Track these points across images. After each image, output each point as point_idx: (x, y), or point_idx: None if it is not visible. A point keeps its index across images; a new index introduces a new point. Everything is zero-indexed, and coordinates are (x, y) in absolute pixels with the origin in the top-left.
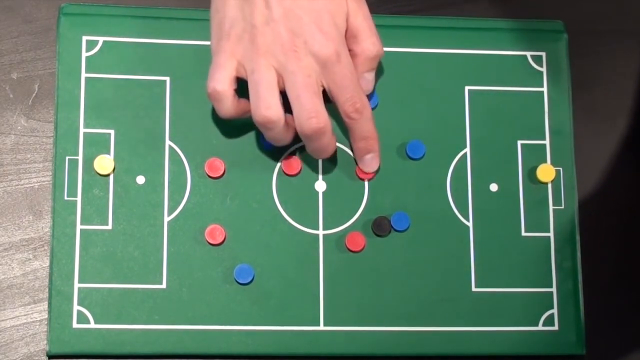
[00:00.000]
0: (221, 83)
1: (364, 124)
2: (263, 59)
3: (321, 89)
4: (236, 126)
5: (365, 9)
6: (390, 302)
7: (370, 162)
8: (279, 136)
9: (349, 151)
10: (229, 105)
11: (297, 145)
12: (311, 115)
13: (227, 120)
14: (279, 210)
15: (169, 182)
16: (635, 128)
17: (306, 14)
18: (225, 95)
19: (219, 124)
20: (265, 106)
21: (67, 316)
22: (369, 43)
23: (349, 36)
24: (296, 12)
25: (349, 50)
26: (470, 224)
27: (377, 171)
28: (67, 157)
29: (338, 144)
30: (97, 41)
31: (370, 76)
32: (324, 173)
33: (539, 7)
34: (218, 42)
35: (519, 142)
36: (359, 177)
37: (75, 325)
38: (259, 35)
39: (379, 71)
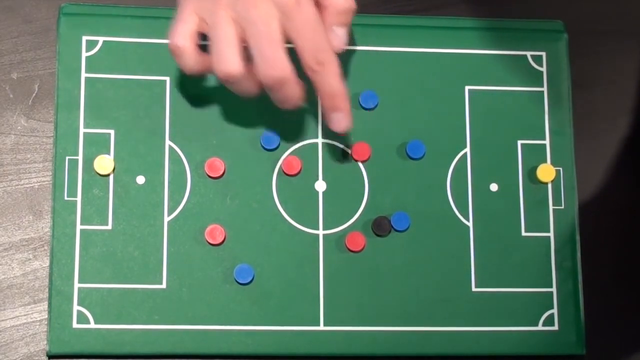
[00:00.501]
0: (181, 38)
1: (327, 78)
2: (223, 12)
3: (283, 37)
4: (236, 126)
5: None
6: (390, 302)
7: (339, 122)
8: (244, 89)
9: (349, 151)
10: (190, 60)
11: (296, 146)
12: (270, 64)
13: (226, 119)
14: (279, 210)
15: (169, 182)
16: (636, 128)
17: None
18: (186, 50)
19: (219, 124)
20: (225, 61)
21: (67, 316)
22: None
23: None
24: None
25: (318, 2)
26: (470, 224)
27: (347, 131)
28: (67, 157)
29: (336, 143)
30: (97, 41)
31: (340, 31)
32: (324, 173)
33: (539, 7)
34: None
35: (519, 142)
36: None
37: (75, 325)
38: None
39: (379, 71)
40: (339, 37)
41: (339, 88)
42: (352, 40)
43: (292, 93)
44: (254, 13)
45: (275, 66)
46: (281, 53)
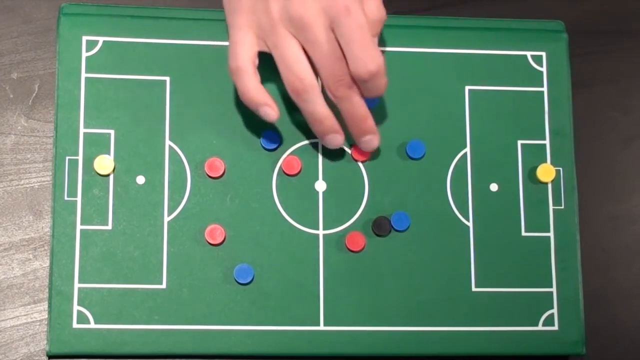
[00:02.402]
0: (242, 59)
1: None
2: (282, 30)
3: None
4: (236, 126)
5: None
6: (390, 302)
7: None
8: (318, 108)
9: (349, 151)
10: (251, 82)
11: (296, 146)
12: (339, 78)
13: (226, 119)
14: (279, 210)
15: (169, 182)
16: (635, 128)
17: None
18: (247, 71)
19: (219, 124)
20: (299, 78)
21: (67, 316)
22: (373, 6)
23: None
24: None
25: None
26: (470, 224)
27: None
28: (67, 157)
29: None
30: (97, 41)
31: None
32: (324, 173)
33: (539, 7)
34: (231, 16)
35: (519, 142)
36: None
37: (75, 325)
38: (271, 4)
39: None
40: None
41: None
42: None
43: (361, 105)
44: (311, 29)
45: (343, 80)
46: (344, 65)
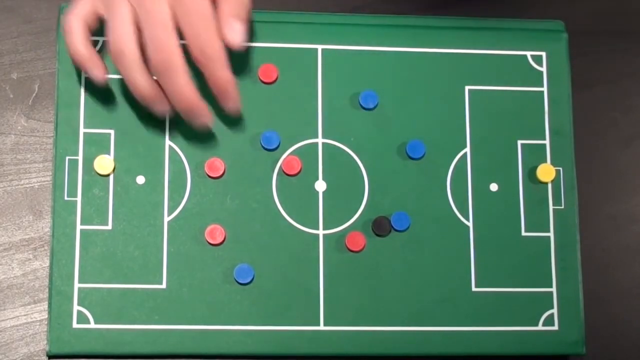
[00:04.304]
0: (74, 15)
1: (214, 69)
2: None
3: (174, 24)
4: (236, 126)
5: None
6: (390, 302)
7: (230, 107)
8: (135, 74)
9: (349, 151)
10: (78, 40)
11: (296, 146)
12: (162, 50)
13: (226, 119)
14: (279, 210)
15: (169, 182)
16: (635, 128)
17: None
18: (74, 27)
19: (219, 124)
20: (118, 39)
21: (67, 316)
22: None
23: None
24: None
25: None
26: (470, 224)
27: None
28: (67, 157)
29: (336, 143)
30: (97, 41)
31: (237, 25)
32: (324, 173)
33: (539, 7)
34: None
35: (519, 142)
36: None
37: (75, 325)
38: None
39: (379, 71)
40: (235, 31)
41: (227, 77)
42: (350, 41)
43: (183, 85)
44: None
45: (164, 49)
46: (172, 38)
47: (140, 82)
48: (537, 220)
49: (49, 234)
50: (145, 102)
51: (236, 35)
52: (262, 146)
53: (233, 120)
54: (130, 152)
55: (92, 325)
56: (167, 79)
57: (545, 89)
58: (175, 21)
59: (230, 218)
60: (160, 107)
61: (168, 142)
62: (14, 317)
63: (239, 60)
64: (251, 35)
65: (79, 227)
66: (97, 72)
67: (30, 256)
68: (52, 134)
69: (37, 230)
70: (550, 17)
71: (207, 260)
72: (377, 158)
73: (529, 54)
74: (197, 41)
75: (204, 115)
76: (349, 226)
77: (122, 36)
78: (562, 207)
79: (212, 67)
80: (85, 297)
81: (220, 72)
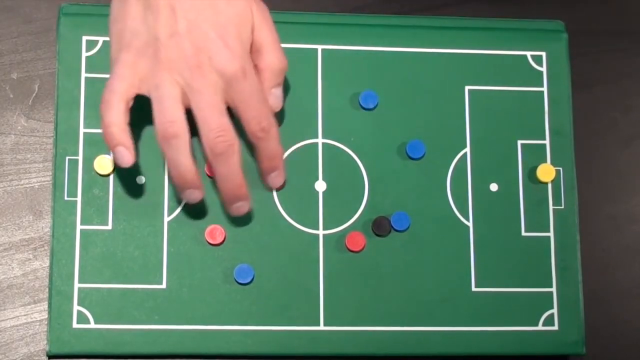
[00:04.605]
0: (116, 92)
1: (270, 143)
2: (167, 74)
3: (226, 106)
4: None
5: (270, 22)
6: (390, 302)
7: (275, 179)
8: (183, 158)
9: (349, 151)
10: (115, 117)
11: (297, 146)
12: (219, 133)
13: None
14: (279, 210)
15: (169, 182)
16: (635, 128)
17: (211, 28)
18: (115, 105)
19: None
20: (170, 120)
21: (67, 316)
22: (274, 57)
23: (253, 50)
24: (201, 25)
25: (254, 65)
26: (470, 224)
27: (282, 186)
28: (67, 157)
29: (336, 143)
30: (97, 41)
31: (278, 92)
32: (324, 173)
33: (539, 7)
34: (118, 52)
35: (519, 142)
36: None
37: (75, 325)
38: (162, 49)
39: (379, 71)
40: (277, 97)
41: (278, 150)
42: (350, 41)
43: (237, 164)
44: (200, 82)
45: (222, 136)
46: (228, 123)
47: (187, 168)
48: (537, 220)
49: (49, 234)
50: (184, 187)
51: (277, 102)
52: None
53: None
54: None
55: (92, 325)
56: (223, 164)
57: (545, 89)
58: (225, 100)
59: (230, 218)
60: (197, 195)
61: None
62: (14, 317)
63: None
64: None
65: (79, 227)
66: (128, 155)
67: (30, 256)
68: (52, 134)
69: (37, 230)
70: (550, 17)
71: (207, 260)
72: (377, 158)
73: (529, 54)
74: (256, 120)
75: (247, 203)
76: (349, 226)
77: (174, 118)
78: (562, 207)
79: (269, 142)
80: (85, 297)
81: (276, 146)
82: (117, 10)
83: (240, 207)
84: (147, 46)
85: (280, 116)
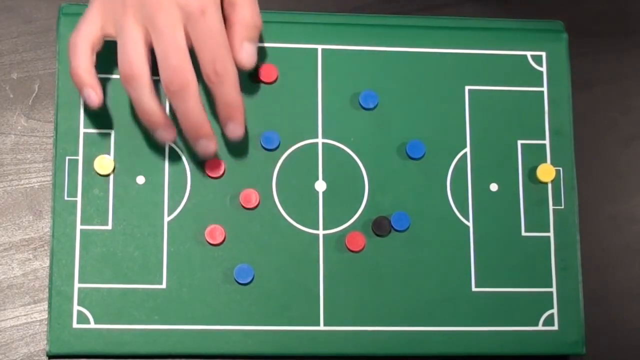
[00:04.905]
0: (81, 36)
1: (225, 89)
2: (132, 16)
3: (188, 43)
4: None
5: None
6: (390, 302)
7: (233, 130)
8: (145, 98)
9: (349, 151)
10: (81, 61)
11: (297, 146)
12: (174, 72)
13: None
14: (279, 210)
15: (169, 182)
16: (636, 128)
17: None
18: (81, 48)
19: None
20: (128, 62)
21: (67, 316)
22: (247, 11)
23: (226, 3)
24: None
25: (227, 18)
26: (470, 224)
27: (240, 137)
28: (67, 157)
29: (336, 143)
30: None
31: (249, 47)
32: (324, 173)
33: (539, 7)
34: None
35: (519, 142)
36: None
37: (75, 325)
38: None
39: (379, 71)
40: (248, 52)
41: (236, 99)
42: (351, 41)
43: (194, 106)
44: (160, 19)
45: (178, 73)
46: (185, 60)
47: (150, 107)
48: (537, 220)
49: (49, 234)
50: (152, 127)
51: (248, 57)
52: (262, 146)
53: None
54: (130, 152)
55: (92, 325)
56: (179, 101)
57: (545, 89)
58: (188, 42)
59: (230, 218)
60: (166, 135)
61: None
62: (14, 317)
63: None
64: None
65: (79, 227)
66: (95, 96)
67: (30, 256)
68: (52, 134)
69: (37, 230)
70: (550, 17)
71: (207, 260)
72: (377, 158)
73: (528, 54)
74: (210, 62)
75: (211, 141)
76: (349, 226)
77: (133, 59)
78: (562, 207)
79: (223, 87)
80: (85, 297)
81: (231, 93)
82: None
83: (205, 146)
84: None
85: (280, 116)
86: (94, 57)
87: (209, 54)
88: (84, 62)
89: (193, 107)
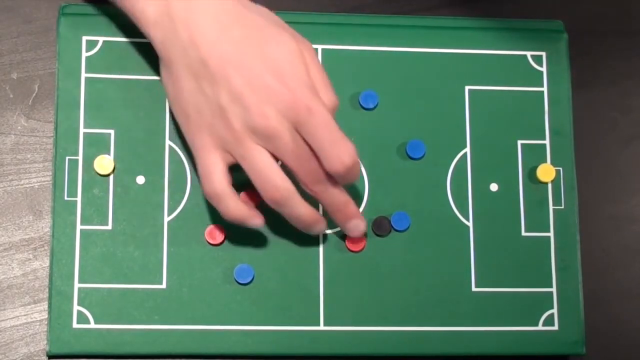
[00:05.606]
0: (219, 184)
1: (331, 194)
2: (247, 142)
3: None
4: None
5: (317, 60)
6: (390, 302)
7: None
8: (302, 210)
9: None
10: (232, 202)
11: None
12: (312, 176)
13: None
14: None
15: (169, 182)
16: (636, 128)
17: (269, 74)
18: (226, 194)
19: None
20: (274, 187)
21: (67, 316)
22: (326, 97)
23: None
24: (258, 76)
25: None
26: (470, 224)
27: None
28: (67, 157)
29: None
30: (97, 41)
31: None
32: None
33: (539, 7)
34: (193, 137)
35: (519, 142)
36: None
37: (75, 325)
38: (231, 117)
39: (379, 71)
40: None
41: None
42: (351, 41)
43: (296, 209)
44: (276, 141)
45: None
46: (315, 162)
47: (307, 213)
48: (537, 221)
49: (49, 234)
50: (312, 228)
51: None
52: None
53: None
54: (130, 152)
55: (92, 325)
56: (325, 197)
57: (545, 89)
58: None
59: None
60: (323, 227)
61: (168, 142)
62: (14, 317)
63: None
64: None
65: (79, 227)
66: (259, 221)
67: (30, 256)
68: (52, 134)
69: (37, 230)
70: (550, 17)
71: (207, 261)
72: (377, 158)
73: (529, 54)
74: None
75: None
76: None
77: (278, 183)
78: (562, 207)
79: (354, 170)
80: (85, 297)
81: (337, 193)
82: (171, 88)
83: (356, 226)
84: (214, 118)
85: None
86: (235, 193)
87: (329, 148)
88: (234, 204)
89: (337, 193)
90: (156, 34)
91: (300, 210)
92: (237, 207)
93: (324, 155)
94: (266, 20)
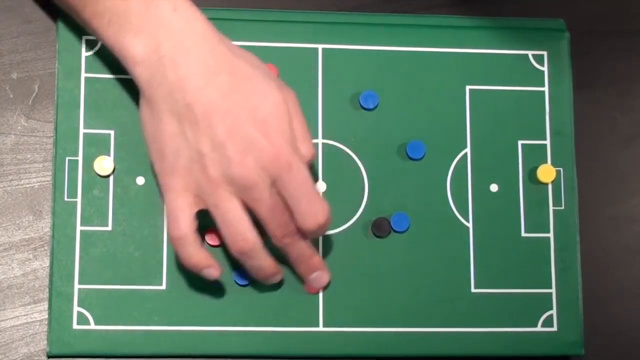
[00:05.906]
0: (183, 228)
1: (299, 247)
2: (221, 190)
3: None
4: None
5: (300, 111)
6: (389, 303)
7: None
8: (261, 263)
9: (349, 151)
10: (194, 249)
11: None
12: (283, 232)
13: None
14: None
15: None
16: (636, 128)
17: (252, 127)
18: (188, 240)
19: None
20: (241, 237)
21: (67, 317)
22: (304, 149)
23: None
24: (241, 127)
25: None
26: (470, 224)
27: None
28: (67, 158)
29: (336, 143)
30: (97, 41)
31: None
32: (324, 173)
33: (541, 6)
34: (165, 178)
35: (520, 142)
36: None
37: (75, 326)
38: (209, 165)
39: (379, 71)
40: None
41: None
42: (351, 40)
43: (301, 249)
44: (253, 192)
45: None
46: (288, 216)
47: (269, 266)
48: (537, 221)
49: (49, 234)
50: (267, 279)
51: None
52: None
53: None
54: (130, 152)
55: (92, 326)
56: (292, 250)
57: (546, 88)
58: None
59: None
60: (279, 277)
61: None
62: (14, 317)
63: None
64: (252, 34)
65: (79, 227)
66: (215, 272)
67: (30, 256)
68: (52, 134)
69: (37, 230)
70: (551, 16)
71: None
72: (377, 158)
73: (530, 53)
74: (305, 212)
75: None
76: (349, 227)
77: (247, 235)
78: (563, 207)
79: (325, 227)
80: (86, 298)
81: (302, 246)
82: (151, 126)
83: (318, 277)
84: (192, 163)
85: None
86: (199, 239)
87: (304, 207)
88: (194, 250)
89: (304, 246)
90: (142, 73)
91: (263, 262)
92: (198, 255)
93: (299, 211)
94: (253, 69)
